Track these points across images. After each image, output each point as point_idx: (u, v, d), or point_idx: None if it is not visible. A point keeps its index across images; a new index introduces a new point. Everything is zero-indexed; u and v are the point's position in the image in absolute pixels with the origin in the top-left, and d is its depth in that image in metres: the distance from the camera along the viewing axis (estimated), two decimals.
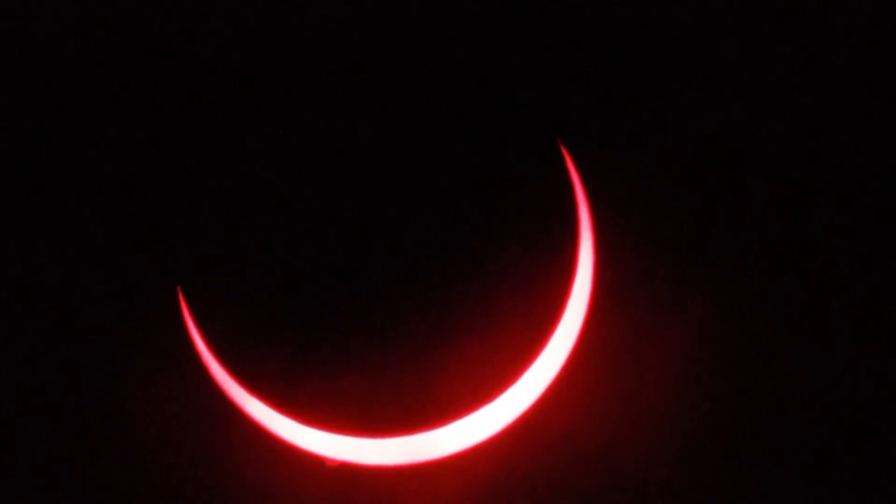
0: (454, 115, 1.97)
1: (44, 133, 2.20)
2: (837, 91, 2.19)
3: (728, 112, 2.18)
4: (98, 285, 2.16)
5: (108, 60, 2.20)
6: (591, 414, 2.10)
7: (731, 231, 2.15)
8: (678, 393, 2.12)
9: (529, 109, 2.05)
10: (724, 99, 2.18)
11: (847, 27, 2.19)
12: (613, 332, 2.12)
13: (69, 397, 2.13)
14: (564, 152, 2.01)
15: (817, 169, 2.17)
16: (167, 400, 2.11)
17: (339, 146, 1.97)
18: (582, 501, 2.09)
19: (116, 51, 2.20)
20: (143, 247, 2.16)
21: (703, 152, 2.17)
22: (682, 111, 2.18)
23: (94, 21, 2.20)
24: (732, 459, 2.11)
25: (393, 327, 1.93)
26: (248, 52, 2.16)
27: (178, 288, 2.03)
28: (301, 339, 1.93)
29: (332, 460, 2.02)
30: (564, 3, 2.17)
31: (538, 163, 1.96)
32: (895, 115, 2.17)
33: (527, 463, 2.09)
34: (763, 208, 2.16)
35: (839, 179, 2.17)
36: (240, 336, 1.95)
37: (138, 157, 2.19)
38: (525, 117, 2.00)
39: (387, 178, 1.94)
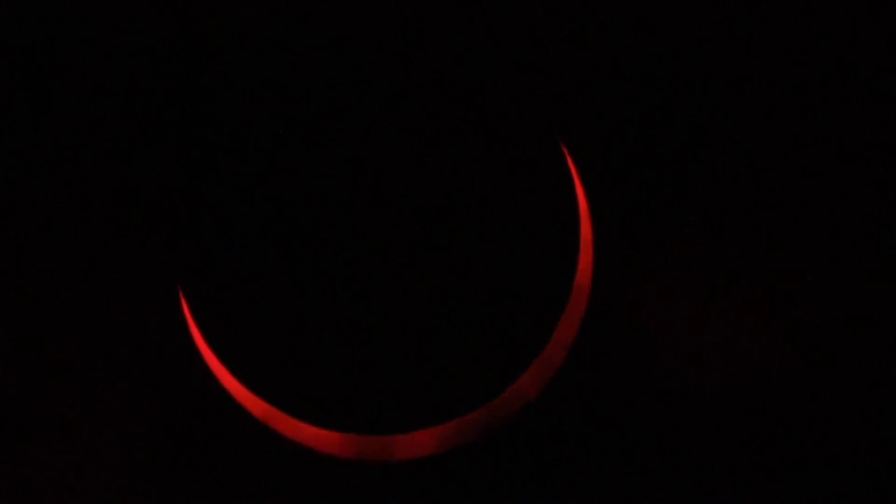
0: (457, 114, 1.97)
1: (45, 133, 2.20)
2: (834, 93, 2.19)
3: (726, 112, 2.18)
4: (98, 285, 2.16)
5: (111, 61, 2.20)
6: (589, 413, 2.11)
7: (729, 228, 2.16)
8: (676, 392, 2.12)
9: (531, 109, 2.05)
10: (722, 100, 2.19)
11: (845, 31, 2.20)
12: (612, 330, 2.12)
13: (70, 395, 2.14)
14: (564, 150, 2.02)
15: (815, 170, 2.17)
16: (167, 397, 2.12)
17: (340, 145, 1.97)
18: (580, 498, 2.09)
19: (119, 52, 2.20)
20: (143, 247, 2.16)
21: (702, 152, 2.18)
22: (681, 113, 2.18)
23: (99, 23, 2.20)
24: (731, 461, 2.12)
25: (393, 327, 1.93)
26: (251, 53, 2.17)
27: (178, 287, 2.03)
28: (301, 337, 1.93)
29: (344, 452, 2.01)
30: (566, 7, 2.18)
31: (539, 160, 1.97)
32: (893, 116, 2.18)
33: (526, 461, 2.09)
34: (762, 207, 2.16)
35: (836, 180, 2.17)
36: (239, 334, 1.95)
37: (139, 157, 2.19)
38: (527, 116, 2.01)
39: (388, 177, 1.94)
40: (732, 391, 2.13)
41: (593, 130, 2.15)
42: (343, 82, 2.03)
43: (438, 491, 2.09)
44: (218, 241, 2.02)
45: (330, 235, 1.99)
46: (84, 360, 2.15)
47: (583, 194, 2.06)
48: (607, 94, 2.16)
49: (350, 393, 1.95)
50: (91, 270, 2.17)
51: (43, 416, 2.14)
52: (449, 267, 1.98)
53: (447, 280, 1.98)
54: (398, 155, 1.99)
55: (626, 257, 2.15)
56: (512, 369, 1.98)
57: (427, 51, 2.06)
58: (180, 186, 2.10)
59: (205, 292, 2.01)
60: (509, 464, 2.10)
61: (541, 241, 2.01)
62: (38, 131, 2.20)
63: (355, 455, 2.04)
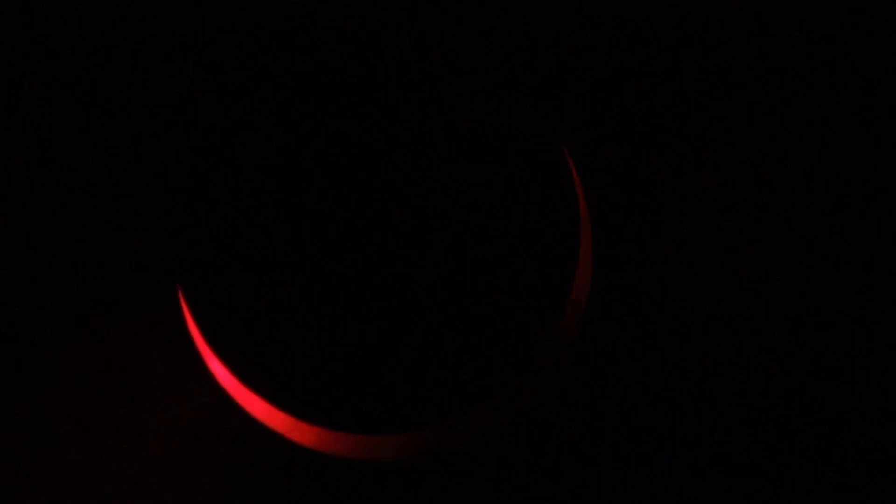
0: (464, 124, 1.97)
1: (45, 132, 2.20)
2: (832, 95, 2.19)
3: (726, 122, 2.19)
4: (98, 284, 2.16)
5: (110, 60, 2.20)
6: (587, 416, 2.11)
7: (728, 235, 2.16)
8: (674, 394, 2.12)
9: (538, 118, 2.06)
10: (723, 111, 2.19)
11: (844, 32, 2.20)
12: (611, 335, 2.13)
13: (68, 395, 2.14)
14: (569, 158, 2.02)
15: (816, 172, 2.18)
16: (167, 395, 2.12)
17: (340, 145, 1.97)
18: (580, 497, 2.10)
19: (119, 52, 2.20)
20: (143, 247, 2.16)
21: (703, 159, 2.18)
22: (682, 123, 2.18)
23: (99, 20, 2.21)
24: (734, 462, 2.12)
25: (393, 327, 1.93)
26: (252, 52, 2.17)
27: (178, 286, 2.03)
28: (301, 336, 1.93)
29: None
30: (574, 18, 2.18)
31: (544, 168, 1.97)
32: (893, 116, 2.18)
33: (526, 459, 2.09)
34: (765, 210, 2.17)
35: (836, 182, 2.18)
36: (239, 333, 1.95)
37: (138, 156, 2.19)
38: (534, 126, 2.01)
39: (388, 178, 1.94)
40: (735, 392, 2.13)
41: (595, 133, 2.15)
42: (344, 82, 2.03)
43: (438, 491, 2.09)
44: (218, 241, 2.02)
45: (331, 237, 1.99)
46: (82, 360, 2.15)
47: (583, 197, 2.07)
48: (611, 105, 2.17)
49: (351, 393, 1.96)
50: (90, 270, 2.17)
51: (41, 415, 2.14)
52: (448, 267, 1.98)
53: (446, 280, 1.98)
54: (398, 154, 1.99)
55: (627, 259, 2.15)
56: (511, 371, 1.98)
57: (427, 53, 2.06)
58: (180, 186, 2.11)
59: (205, 292, 2.01)
60: (508, 464, 2.10)
61: (540, 245, 2.01)
62: (37, 130, 2.20)
63: (355, 455, 2.04)
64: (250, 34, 2.18)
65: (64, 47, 2.20)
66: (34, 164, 2.19)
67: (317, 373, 1.95)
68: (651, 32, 2.19)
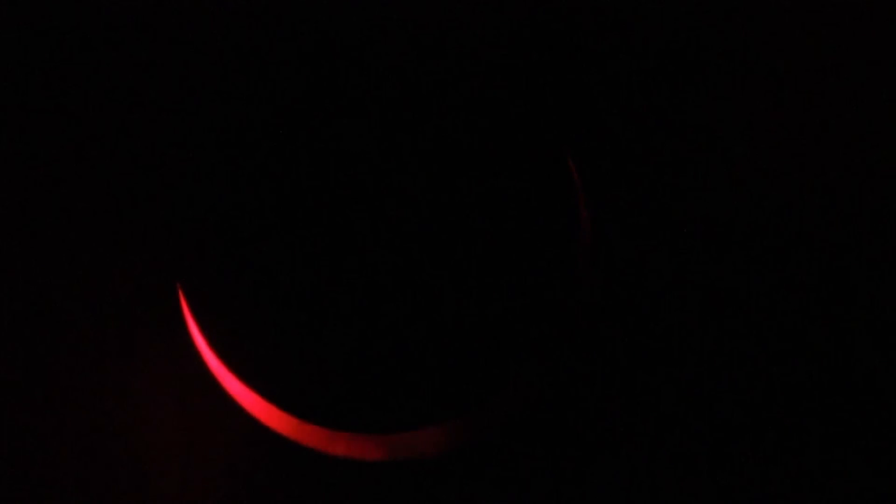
0: (465, 127, 1.97)
1: (44, 130, 2.20)
2: (832, 95, 2.20)
3: (726, 122, 2.19)
4: (99, 283, 2.16)
5: (110, 59, 2.20)
6: (587, 416, 2.11)
7: (728, 235, 2.16)
8: (675, 394, 2.12)
9: (541, 122, 2.06)
10: (723, 111, 2.19)
11: (843, 30, 2.20)
12: (611, 335, 2.13)
13: (70, 395, 2.13)
14: (569, 159, 2.02)
15: (814, 171, 2.18)
16: (167, 396, 2.12)
17: (340, 145, 1.97)
18: (581, 497, 2.09)
19: (118, 51, 2.20)
20: (143, 245, 2.16)
21: (703, 159, 2.18)
22: (682, 123, 2.18)
23: (101, 21, 2.21)
24: (731, 461, 2.12)
25: (394, 327, 1.93)
26: (252, 50, 2.17)
27: (178, 285, 2.03)
28: (301, 335, 1.93)
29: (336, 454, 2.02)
30: (574, 18, 2.18)
31: (544, 168, 1.97)
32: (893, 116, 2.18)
33: (526, 459, 2.09)
34: (763, 212, 2.17)
35: (836, 181, 2.18)
36: (239, 332, 1.95)
37: (138, 154, 2.19)
38: (536, 130, 2.01)
39: (391, 181, 1.94)
40: (735, 392, 2.13)
41: (595, 134, 2.15)
42: (345, 82, 2.03)
43: (438, 491, 2.09)
44: (218, 241, 2.02)
45: (331, 237, 1.99)
46: (81, 360, 2.15)
47: (583, 197, 2.07)
48: (615, 110, 2.17)
49: (352, 392, 1.95)
50: (90, 270, 2.17)
51: (39, 416, 2.14)
52: (448, 268, 1.98)
53: (446, 280, 1.98)
54: (398, 154, 1.99)
55: (627, 259, 2.15)
56: (511, 370, 1.98)
57: (426, 53, 2.06)
58: (180, 185, 2.11)
59: (205, 292, 2.01)
60: (508, 464, 2.10)
61: (540, 245, 2.01)
62: (37, 130, 2.20)
63: (355, 455, 2.04)
64: (250, 35, 2.18)
65: (64, 47, 2.20)
66: (34, 163, 2.19)
67: (317, 373, 1.95)
68: (651, 32, 2.20)
